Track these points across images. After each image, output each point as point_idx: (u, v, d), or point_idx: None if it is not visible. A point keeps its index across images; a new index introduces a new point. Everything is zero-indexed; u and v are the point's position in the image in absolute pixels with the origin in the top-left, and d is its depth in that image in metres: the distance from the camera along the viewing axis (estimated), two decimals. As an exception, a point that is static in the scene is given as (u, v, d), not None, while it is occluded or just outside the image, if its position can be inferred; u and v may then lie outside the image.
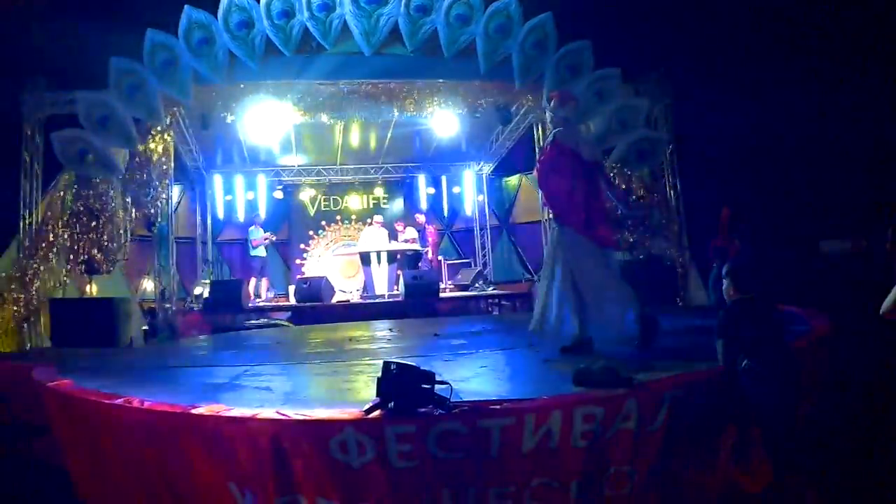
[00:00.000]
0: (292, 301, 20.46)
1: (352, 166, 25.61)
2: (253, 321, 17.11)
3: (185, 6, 14.27)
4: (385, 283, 20.63)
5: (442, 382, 5.16)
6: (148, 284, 18.81)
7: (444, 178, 25.52)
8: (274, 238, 22.92)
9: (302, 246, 25.58)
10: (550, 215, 8.91)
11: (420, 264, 22.55)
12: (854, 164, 16.78)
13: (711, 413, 5.87)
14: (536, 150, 18.53)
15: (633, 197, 16.62)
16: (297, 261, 25.37)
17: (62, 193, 14.70)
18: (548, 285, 8.45)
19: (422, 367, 5.21)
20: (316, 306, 18.87)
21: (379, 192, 26.60)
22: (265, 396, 6.44)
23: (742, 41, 18.30)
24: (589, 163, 8.39)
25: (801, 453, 5.98)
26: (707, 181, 17.06)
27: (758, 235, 15.05)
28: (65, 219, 14.53)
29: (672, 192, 16.92)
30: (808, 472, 5.96)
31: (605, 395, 5.49)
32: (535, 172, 9.04)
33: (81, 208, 14.50)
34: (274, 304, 21.37)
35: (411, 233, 23.24)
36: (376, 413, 5.01)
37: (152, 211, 15.58)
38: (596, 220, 8.24)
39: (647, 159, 16.42)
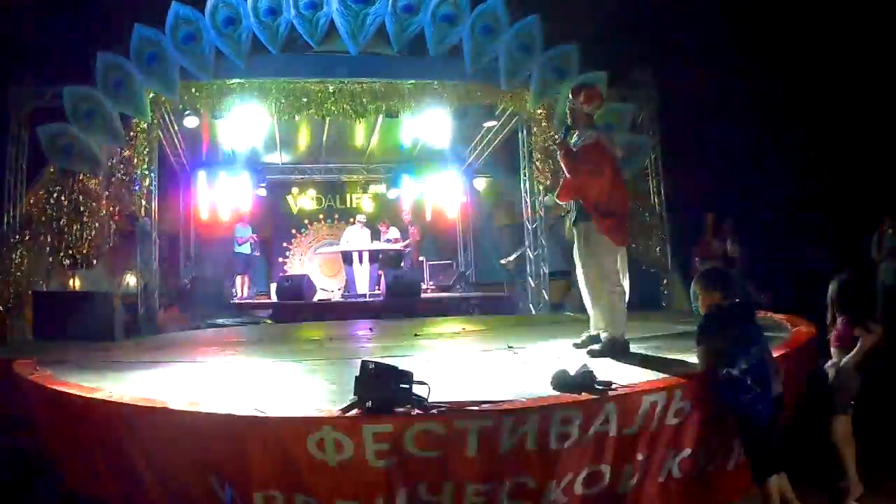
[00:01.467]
0: (274, 299, 20.44)
1: (336, 165, 25.66)
2: (234, 318, 17.10)
3: (173, 1, 14.27)
4: (366, 283, 20.64)
5: (420, 382, 5.19)
6: (130, 279, 18.75)
7: (427, 179, 25.39)
8: (255, 239, 22.87)
9: (284, 244, 25.60)
10: (571, 215, 8.84)
11: (402, 264, 22.57)
12: (841, 171, 16.86)
13: (691, 418, 5.90)
14: (521, 152, 18.55)
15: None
16: (280, 259, 25.35)
17: (46, 187, 14.67)
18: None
19: (400, 367, 5.23)
20: (297, 304, 18.87)
21: (362, 191, 26.64)
22: (244, 393, 6.46)
23: (730, 47, 18.37)
24: (619, 163, 8.82)
25: (781, 459, 6.03)
26: (692, 186, 17.12)
27: (742, 241, 15.14)
28: (49, 213, 14.51)
29: (656, 198, 16.97)
30: (789, 476, 6.01)
31: (582, 399, 5.52)
32: (565, 168, 8.62)
33: (65, 202, 14.48)
34: (255, 301, 21.36)
35: (394, 232, 23.21)
36: (354, 412, 5.03)
37: (136, 206, 15.54)
38: (622, 221, 8.55)
39: (631, 163, 16.43)
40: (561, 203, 9.10)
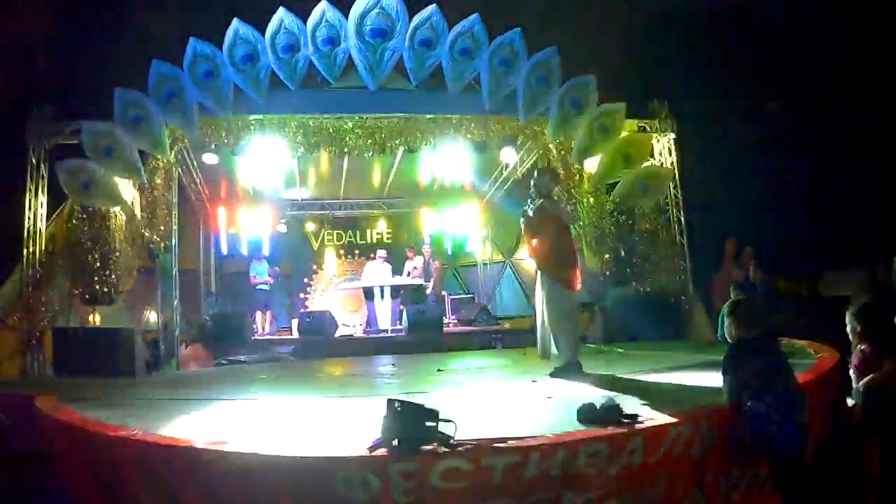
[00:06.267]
0: (295, 335, 20.38)
1: (355, 200, 25.53)
2: (255, 354, 17.06)
3: (191, 38, 14.31)
4: (388, 318, 20.55)
5: (446, 420, 5.14)
6: (150, 315, 18.73)
7: (448, 212, 25.41)
8: (270, 281, 22.84)
9: (305, 280, 25.65)
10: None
11: (427, 294, 22.50)
12: (861, 196, 16.79)
13: (717, 448, 5.85)
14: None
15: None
16: (301, 294, 25.38)
17: (66, 223, 14.72)
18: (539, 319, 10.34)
19: (426, 405, 5.19)
20: (319, 340, 18.79)
21: (382, 226, 26.57)
22: (269, 432, 6.41)
23: (747, 75, 18.38)
24: (565, 225, 10.39)
25: (810, 488, 5.98)
26: (712, 215, 17.08)
27: (763, 269, 15.05)
28: (68, 248, 14.56)
29: (677, 227, 16.91)
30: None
31: (609, 432, 5.47)
32: (522, 229, 10.74)
33: (85, 238, 14.52)
34: (277, 337, 21.32)
35: (419, 260, 23.14)
36: (381, 451, 4.98)
37: (155, 242, 15.56)
38: (565, 268, 10.13)
39: (652, 194, 16.43)
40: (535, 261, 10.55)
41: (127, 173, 14.58)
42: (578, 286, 10.27)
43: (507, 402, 8.03)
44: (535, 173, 10.74)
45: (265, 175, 19.93)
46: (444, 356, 15.38)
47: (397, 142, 16.70)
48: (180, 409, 8.16)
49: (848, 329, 7.56)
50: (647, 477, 5.55)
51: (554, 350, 10.06)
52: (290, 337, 20.88)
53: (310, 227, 26.06)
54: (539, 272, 10.31)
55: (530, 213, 10.38)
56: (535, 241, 10.33)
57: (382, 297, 20.77)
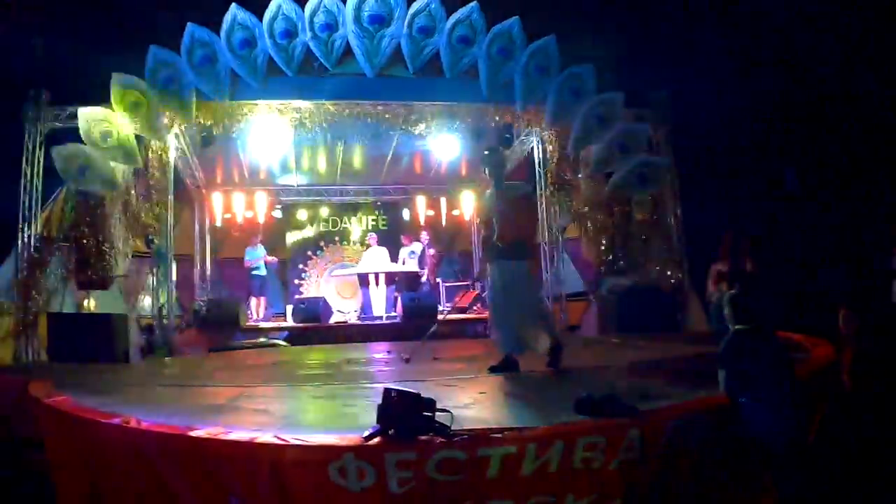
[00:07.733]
0: (290, 321, 20.37)
1: (351, 187, 25.37)
2: (250, 340, 17.04)
3: (188, 24, 14.28)
4: (383, 305, 20.53)
5: (443, 410, 5.12)
6: (145, 301, 18.72)
7: (444, 200, 25.40)
8: (269, 260, 22.74)
9: (300, 266, 25.51)
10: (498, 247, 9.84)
11: (422, 282, 22.52)
12: (859, 189, 16.77)
13: (714, 442, 5.83)
14: (537, 171, 18.45)
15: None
16: (296, 281, 25.28)
17: (61, 207, 14.69)
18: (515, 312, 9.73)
19: (422, 394, 5.17)
20: (313, 327, 18.78)
21: (378, 213, 26.47)
22: (263, 420, 6.39)
23: (745, 66, 18.34)
24: (527, 201, 10.44)
25: (807, 482, 5.97)
26: (708, 206, 17.04)
27: (760, 261, 15.05)
28: (63, 233, 14.53)
29: (673, 217, 16.87)
30: (815, 501, 5.95)
31: (607, 423, 5.45)
32: (510, 215, 9.98)
33: (80, 223, 14.49)
34: (271, 323, 21.30)
35: (417, 246, 23.16)
36: (376, 440, 4.96)
37: (151, 227, 15.54)
38: (533, 250, 10.31)
39: (649, 184, 16.38)
40: (500, 244, 9.77)
41: (123, 159, 14.56)
42: (538, 272, 10.19)
43: (502, 392, 8.02)
44: (487, 153, 10.44)
45: (261, 161, 19.93)
46: (439, 344, 15.34)
47: (394, 129, 16.67)
48: (174, 396, 8.17)
49: (842, 322, 7.58)
50: (645, 470, 5.53)
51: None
52: (284, 323, 20.88)
53: (305, 213, 25.90)
54: (506, 260, 9.73)
55: (492, 195, 10.12)
56: (499, 224, 9.81)
57: (377, 284, 20.77)
